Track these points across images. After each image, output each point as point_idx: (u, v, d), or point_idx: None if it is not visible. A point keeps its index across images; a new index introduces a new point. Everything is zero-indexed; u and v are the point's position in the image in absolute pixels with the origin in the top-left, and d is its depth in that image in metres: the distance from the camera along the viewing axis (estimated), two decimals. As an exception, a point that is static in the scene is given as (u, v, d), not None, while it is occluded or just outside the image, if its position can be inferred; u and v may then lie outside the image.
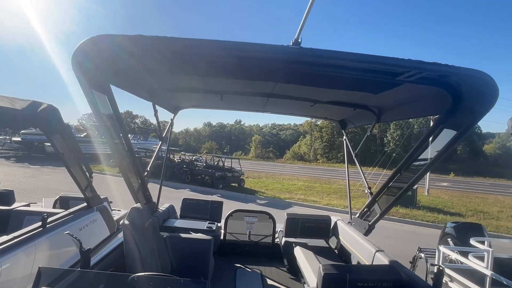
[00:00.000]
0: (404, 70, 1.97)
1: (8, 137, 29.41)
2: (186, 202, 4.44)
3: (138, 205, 2.70)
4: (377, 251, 2.98)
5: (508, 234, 12.11)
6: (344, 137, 4.62)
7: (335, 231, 4.18)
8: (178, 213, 4.39)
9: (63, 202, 5.08)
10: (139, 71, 2.55)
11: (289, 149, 66.62)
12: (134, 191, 3.28)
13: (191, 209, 4.34)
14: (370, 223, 3.53)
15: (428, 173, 21.96)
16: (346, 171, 4.70)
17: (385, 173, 26.31)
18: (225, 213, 4.43)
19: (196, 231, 3.65)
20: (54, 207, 5.09)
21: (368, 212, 3.72)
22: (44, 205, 5.63)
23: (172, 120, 4.26)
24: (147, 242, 2.50)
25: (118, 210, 6.40)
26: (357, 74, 2.12)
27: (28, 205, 5.25)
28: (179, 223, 3.99)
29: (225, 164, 20.26)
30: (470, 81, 2.06)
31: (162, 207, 4.21)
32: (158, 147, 4.05)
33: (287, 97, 3.23)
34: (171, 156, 23.79)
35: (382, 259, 2.84)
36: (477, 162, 51.23)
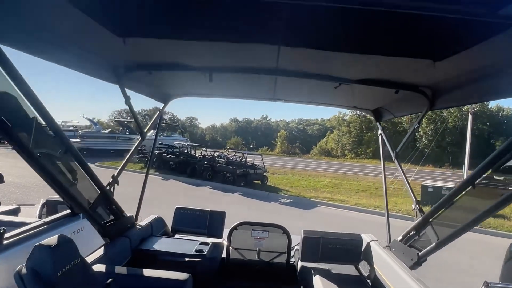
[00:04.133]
0: None
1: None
2: (179, 213, 3.63)
3: (50, 240, 1.79)
4: None
5: None
6: (380, 131, 3.55)
7: (367, 256, 3.22)
8: (170, 225, 3.66)
9: (51, 207, 4.48)
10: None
11: (316, 144, 65.42)
12: (86, 210, 2.43)
13: (185, 221, 3.56)
14: (420, 254, 2.49)
15: (466, 167, 20.21)
16: (383, 176, 3.71)
17: (418, 170, 24.70)
18: (229, 222, 3.68)
19: (180, 256, 2.89)
20: (40, 213, 4.51)
21: (416, 237, 2.73)
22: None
23: (161, 111, 3.51)
24: None
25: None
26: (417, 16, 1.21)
27: (15, 210, 4.72)
28: (162, 243, 3.17)
29: (248, 160, 19.57)
30: None
31: (144, 221, 3.47)
32: (137, 142, 3.26)
33: (300, 75, 2.33)
34: (193, 152, 23.45)
35: None
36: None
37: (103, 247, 2.64)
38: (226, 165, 18.31)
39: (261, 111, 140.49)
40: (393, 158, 3.15)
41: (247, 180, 17.47)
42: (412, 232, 2.72)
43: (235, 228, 3.35)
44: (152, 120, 3.42)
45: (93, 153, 27.25)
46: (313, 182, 21.03)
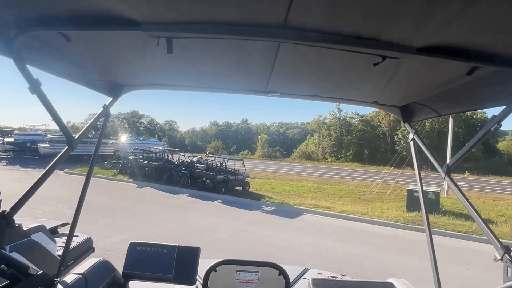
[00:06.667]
0: None
1: (1, 138, 28.33)
2: (134, 251, 2.57)
3: None
4: None
5: None
6: (412, 135, 2.50)
7: None
8: (122, 268, 2.61)
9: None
10: None
11: (296, 148, 65.07)
12: None
13: (143, 262, 2.54)
14: None
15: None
16: (420, 195, 2.68)
17: (402, 173, 24.49)
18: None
19: None
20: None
21: None
22: None
23: (105, 107, 2.31)
24: None
25: (75, 236, 4.79)
26: None
27: None
28: None
29: (229, 165, 18.62)
30: None
31: (74, 272, 2.32)
32: (62, 152, 2.08)
33: (322, 39, 1.28)
34: (171, 157, 22.26)
35: None
36: (492, 160, 49.26)
37: None
38: (206, 171, 17.27)
39: (241, 115, 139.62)
40: (443, 175, 2.11)
41: (228, 187, 16.51)
42: None
43: (213, 268, 2.42)
44: (90, 122, 2.33)
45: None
46: (295, 187, 20.36)
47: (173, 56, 1.69)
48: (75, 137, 1.92)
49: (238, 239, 9.07)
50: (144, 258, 2.49)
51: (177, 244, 2.52)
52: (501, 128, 1.66)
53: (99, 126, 2.64)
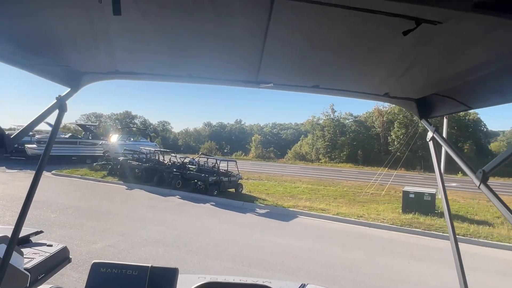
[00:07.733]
0: None
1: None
2: (98, 273, 2.07)
3: None
4: None
5: None
6: (431, 134, 1.96)
7: None
8: None
9: None
10: None
11: (290, 148, 64.92)
12: None
13: (109, 286, 2.13)
14: None
15: (442, 171, 19.67)
16: (443, 200, 1.95)
17: (396, 174, 24.30)
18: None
19: None
20: None
21: None
22: None
23: (60, 99, 1.82)
24: None
25: (47, 246, 4.38)
26: None
27: None
28: None
29: (221, 166, 18.18)
30: None
31: None
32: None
33: None
34: (162, 158, 21.76)
35: None
36: (485, 161, 49.44)
37: None
38: (197, 173, 16.81)
39: (235, 115, 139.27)
40: (477, 182, 1.54)
41: (221, 189, 16.06)
42: None
43: None
44: (37, 116, 1.76)
45: (52, 160, 24.86)
46: (289, 188, 20.01)
47: (136, 31, 1.32)
48: (11, 136, 1.49)
49: (230, 243, 8.69)
50: (109, 282, 2.06)
51: (150, 265, 2.11)
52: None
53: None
